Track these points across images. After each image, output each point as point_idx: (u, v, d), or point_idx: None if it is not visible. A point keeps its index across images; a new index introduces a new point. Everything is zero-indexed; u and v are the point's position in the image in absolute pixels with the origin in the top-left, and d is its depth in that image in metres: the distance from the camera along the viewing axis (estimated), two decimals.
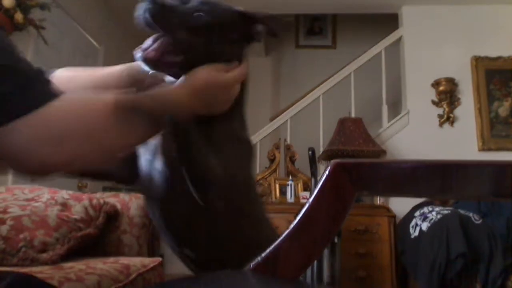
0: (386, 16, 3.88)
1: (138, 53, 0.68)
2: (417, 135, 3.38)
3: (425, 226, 2.50)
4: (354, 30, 4.48)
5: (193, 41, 0.67)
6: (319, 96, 3.47)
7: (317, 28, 4.72)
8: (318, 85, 3.55)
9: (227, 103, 0.70)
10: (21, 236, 1.27)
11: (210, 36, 0.69)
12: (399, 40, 3.68)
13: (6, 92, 0.49)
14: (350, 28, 4.54)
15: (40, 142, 0.50)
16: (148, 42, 0.69)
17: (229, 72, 0.69)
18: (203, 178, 0.65)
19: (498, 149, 3.32)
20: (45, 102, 0.51)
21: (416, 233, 2.56)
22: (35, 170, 0.54)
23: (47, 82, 0.55)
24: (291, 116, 3.47)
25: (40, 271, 1.06)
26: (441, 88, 3.44)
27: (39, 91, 0.53)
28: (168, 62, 0.67)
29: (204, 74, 0.67)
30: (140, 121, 0.61)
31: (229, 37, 0.71)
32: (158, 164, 0.70)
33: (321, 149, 3.31)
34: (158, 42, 0.68)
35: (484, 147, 3.33)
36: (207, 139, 0.68)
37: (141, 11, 0.67)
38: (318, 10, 4.09)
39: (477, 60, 3.50)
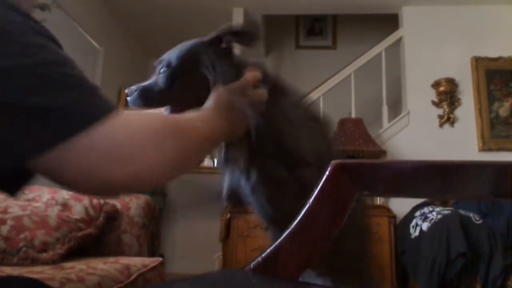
0: (386, 17, 3.88)
1: None
2: (417, 136, 3.38)
3: (425, 226, 2.50)
4: (354, 30, 4.48)
5: (175, 92, 0.73)
6: (320, 96, 3.47)
7: (317, 28, 4.72)
8: (318, 86, 3.55)
9: (258, 103, 0.72)
10: (22, 236, 1.27)
11: (188, 80, 0.74)
12: (399, 40, 3.67)
13: (66, 102, 0.44)
14: (350, 28, 4.53)
15: (104, 160, 0.45)
16: None
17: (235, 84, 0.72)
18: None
19: (499, 149, 3.32)
20: (107, 114, 0.46)
21: (416, 233, 2.55)
22: (98, 191, 0.49)
23: (104, 96, 0.50)
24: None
25: (41, 271, 1.06)
26: (441, 88, 3.44)
27: (101, 102, 0.48)
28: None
29: (215, 94, 0.69)
30: (197, 139, 0.59)
31: (208, 67, 0.74)
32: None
33: None
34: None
35: (485, 148, 3.33)
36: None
37: (131, 99, 0.74)
38: (318, 10, 4.08)
39: (477, 61, 3.50)
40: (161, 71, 0.74)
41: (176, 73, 0.74)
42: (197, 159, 0.62)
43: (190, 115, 0.62)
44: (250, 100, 0.71)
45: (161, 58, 0.77)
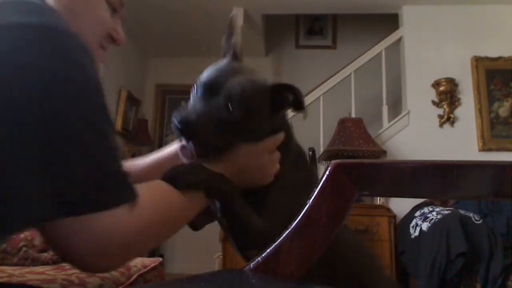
0: (386, 16, 3.87)
1: (180, 152, 0.72)
2: (418, 136, 3.38)
3: (425, 226, 2.50)
4: (354, 30, 4.47)
5: (227, 137, 0.70)
6: (320, 96, 3.47)
7: (317, 28, 4.72)
8: (318, 85, 3.55)
9: (272, 171, 0.73)
10: (22, 235, 1.27)
11: (247, 125, 0.71)
12: (399, 40, 3.67)
13: (86, 178, 0.45)
14: (350, 28, 4.53)
15: (109, 251, 0.48)
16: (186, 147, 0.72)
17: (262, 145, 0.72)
18: (244, 236, 0.70)
19: (499, 149, 3.32)
20: (124, 203, 0.49)
21: (416, 233, 2.56)
22: (97, 270, 0.55)
23: (128, 181, 0.52)
24: (291, 116, 3.46)
25: (42, 272, 1.06)
26: (442, 88, 3.43)
27: (122, 189, 0.50)
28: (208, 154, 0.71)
29: (242, 150, 0.71)
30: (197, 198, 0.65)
31: (264, 115, 0.73)
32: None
33: (321, 149, 3.31)
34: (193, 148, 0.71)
35: (485, 148, 3.33)
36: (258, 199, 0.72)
37: (173, 126, 0.69)
38: (318, 10, 4.08)
39: (478, 60, 3.50)
40: (230, 107, 0.68)
41: (246, 116, 0.69)
42: (183, 225, 0.69)
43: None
44: (263, 165, 0.72)
45: (227, 90, 0.69)
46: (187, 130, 0.67)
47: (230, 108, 0.68)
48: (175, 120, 0.67)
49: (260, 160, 0.71)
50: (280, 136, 0.75)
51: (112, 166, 0.49)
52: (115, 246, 0.48)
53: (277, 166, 0.74)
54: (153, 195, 0.56)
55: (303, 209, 0.54)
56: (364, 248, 0.83)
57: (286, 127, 0.79)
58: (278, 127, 0.76)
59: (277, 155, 0.74)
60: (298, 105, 0.74)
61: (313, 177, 0.82)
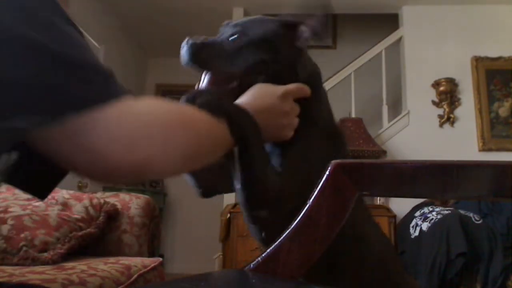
0: (386, 16, 3.88)
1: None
2: (418, 136, 3.38)
3: (425, 226, 2.50)
4: (354, 30, 4.48)
5: (236, 66, 0.68)
6: None
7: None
8: None
9: (290, 123, 0.68)
10: (22, 235, 1.27)
11: (255, 53, 0.69)
12: (399, 40, 3.67)
13: (76, 81, 0.42)
14: (350, 28, 4.53)
15: (111, 142, 0.43)
16: (202, 80, 0.70)
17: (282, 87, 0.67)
18: (259, 197, 0.64)
19: (499, 149, 3.32)
20: (118, 97, 0.44)
21: (417, 233, 2.56)
22: (102, 175, 0.46)
23: (118, 82, 0.48)
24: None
25: (42, 271, 1.06)
26: (442, 88, 3.44)
27: (113, 85, 0.46)
28: (223, 91, 0.67)
29: (258, 87, 0.66)
30: (212, 134, 0.56)
31: (275, 53, 0.70)
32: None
33: None
34: (207, 78, 0.69)
35: (485, 148, 3.33)
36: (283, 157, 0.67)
37: (182, 52, 0.68)
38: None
39: (478, 60, 3.50)
40: (233, 36, 0.69)
41: (251, 44, 0.68)
42: (211, 156, 0.58)
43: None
44: (286, 113, 0.67)
45: (235, 22, 0.71)
46: (196, 53, 0.66)
47: (235, 37, 0.68)
48: (184, 46, 0.66)
49: (278, 105, 0.65)
50: (299, 87, 0.69)
51: (96, 67, 0.45)
52: (116, 140, 0.43)
53: (296, 120, 0.68)
54: (166, 103, 0.51)
55: (303, 209, 0.54)
56: (391, 250, 0.80)
57: (314, 79, 0.75)
58: (304, 80, 0.71)
59: (296, 107, 0.68)
60: (317, 34, 0.72)
61: (342, 146, 0.75)
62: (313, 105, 0.73)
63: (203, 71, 0.69)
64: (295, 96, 0.69)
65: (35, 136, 0.42)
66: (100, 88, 0.44)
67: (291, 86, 0.69)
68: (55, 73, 0.41)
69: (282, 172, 0.66)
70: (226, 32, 0.71)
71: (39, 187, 0.54)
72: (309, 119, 0.70)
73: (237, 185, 0.67)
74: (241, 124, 0.59)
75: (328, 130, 0.75)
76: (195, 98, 0.58)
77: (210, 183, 0.77)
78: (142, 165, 0.45)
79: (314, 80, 0.75)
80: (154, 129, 0.46)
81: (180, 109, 0.53)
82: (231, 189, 0.77)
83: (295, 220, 0.54)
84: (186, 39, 0.68)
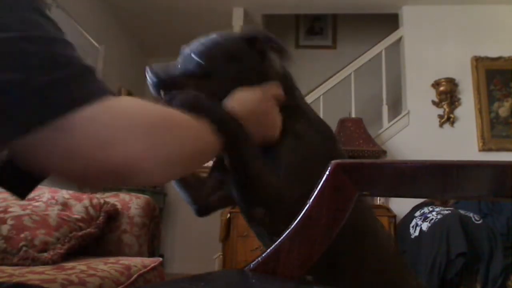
0: (386, 16, 3.88)
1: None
2: (418, 135, 3.38)
3: (425, 226, 2.50)
4: (354, 30, 4.48)
5: (207, 83, 0.68)
6: (320, 96, 3.47)
7: (317, 28, 4.72)
8: (318, 85, 3.55)
9: (274, 123, 0.69)
10: (22, 235, 1.27)
11: (221, 73, 0.69)
12: (399, 40, 3.68)
13: (53, 80, 0.40)
14: (350, 28, 4.53)
15: (90, 142, 0.41)
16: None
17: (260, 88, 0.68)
18: (257, 195, 0.63)
19: (499, 149, 3.32)
20: (98, 96, 0.43)
21: (417, 233, 2.56)
22: (83, 178, 0.44)
23: (99, 79, 0.46)
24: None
25: (42, 271, 1.06)
26: (442, 88, 3.44)
27: (92, 84, 0.44)
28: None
29: (237, 94, 0.66)
30: (201, 137, 0.54)
31: (240, 64, 0.71)
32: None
33: None
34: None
35: (485, 148, 3.33)
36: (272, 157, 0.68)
37: (149, 82, 0.67)
38: (318, 10, 4.09)
39: (478, 60, 3.50)
40: (192, 63, 0.69)
41: (219, 67, 0.70)
42: (197, 159, 0.55)
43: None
44: (269, 112, 0.67)
45: (195, 50, 0.71)
46: (165, 81, 0.65)
47: (195, 60, 0.68)
48: (149, 73, 0.65)
49: (258, 106, 0.67)
50: (273, 86, 0.71)
51: (75, 64, 0.43)
52: (96, 141, 0.42)
53: (279, 118, 0.69)
54: (148, 103, 0.49)
55: (303, 209, 0.54)
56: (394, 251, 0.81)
57: (286, 79, 0.76)
58: (275, 77, 0.73)
59: (273, 104, 0.69)
60: (274, 48, 0.74)
61: (326, 133, 0.77)
62: (292, 103, 0.74)
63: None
64: (273, 95, 0.70)
65: (12, 145, 0.40)
66: (81, 88, 0.42)
67: (266, 87, 0.70)
68: (37, 75, 0.39)
69: (276, 169, 0.66)
70: (187, 63, 0.70)
71: (20, 187, 0.53)
72: (291, 117, 0.71)
73: (232, 187, 0.67)
74: (226, 124, 0.58)
75: (314, 125, 0.76)
76: (175, 98, 0.57)
77: (205, 200, 0.77)
78: (122, 166, 0.43)
79: (286, 80, 0.77)
80: (136, 129, 0.44)
81: (163, 109, 0.51)
82: (227, 203, 0.77)
83: (295, 220, 0.54)
84: (145, 68, 0.67)
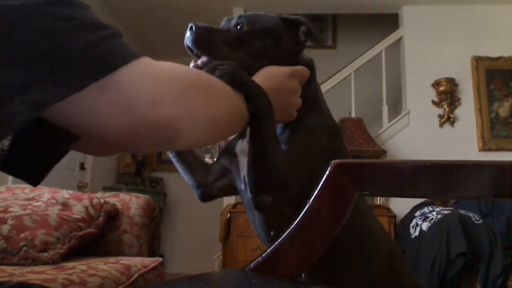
0: (386, 16, 3.88)
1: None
2: (418, 135, 3.38)
3: (425, 226, 2.50)
4: (354, 30, 4.48)
5: (239, 54, 0.69)
6: None
7: (317, 28, 4.72)
8: None
9: (296, 103, 0.69)
10: (22, 235, 1.27)
11: (257, 40, 0.71)
12: (399, 40, 3.68)
13: (91, 43, 0.41)
14: (350, 28, 4.53)
15: (136, 99, 0.42)
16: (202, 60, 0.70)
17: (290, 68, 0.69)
18: (271, 180, 0.63)
19: (499, 149, 3.32)
20: (136, 57, 0.44)
21: (417, 233, 2.56)
22: (127, 135, 0.43)
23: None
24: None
25: (42, 271, 1.06)
26: (442, 88, 3.44)
27: (127, 46, 0.45)
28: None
29: (268, 68, 0.68)
30: (232, 104, 0.55)
31: (277, 42, 0.73)
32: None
33: None
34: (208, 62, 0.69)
35: (485, 148, 3.34)
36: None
37: (186, 36, 0.68)
38: (318, 10, 4.09)
39: (478, 60, 3.50)
40: (238, 26, 0.72)
41: (256, 32, 0.72)
42: (230, 127, 0.57)
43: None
44: (294, 92, 0.68)
45: (238, 15, 0.75)
46: (201, 38, 0.67)
47: (240, 26, 0.71)
48: (193, 29, 0.67)
49: (287, 83, 0.67)
50: (303, 68, 0.72)
51: (107, 28, 0.44)
52: (141, 97, 0.42)
53: (300, 100, 0.70)
54: (187, 67, 0.51)
55: (303, 209, 0.54)
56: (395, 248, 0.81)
57: (310, 69, 0.77)
58: (302, 64, 0.75)
59: (298, 86, 0.70)
60: (312, 36, 0.75)
61: (339, 138, 0.79)
62: (311, 95, 0.76)
63: (205, 57, 0.69)
64: (300, 77, 0.71)
65: (60, 107, 0.40)
66: (123, 47, 0.43)
67: (296, 67, 0.71)
68: (79, 36, 0.40)
69: (286, 159, 0.66)
70: (230, 23, 0.73)
71: (32, 173, 0.53)
72: (307, 108, 0.72)
73: (244, 170, 0.66)
74: (257, 100, 0.59)
75: (326, 121, 0.78)
76: (215, 68, 0.58)
77: (209, 185, 0.77)
78: (167, 124, 0.44)
79: (311, 71, 0.77)
80: (178, 88, 0.46)
81: (201, 74, 0.53)
82: (230, 192, 0.77)
83: (295, 220, 0.54)
84: (189, 25, 0.68)
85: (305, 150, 0.70)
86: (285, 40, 0.74)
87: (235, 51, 0.69)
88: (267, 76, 0.66)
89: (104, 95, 0.41)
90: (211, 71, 0.58)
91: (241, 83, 0.57)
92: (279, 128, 0.71)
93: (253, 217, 0.74)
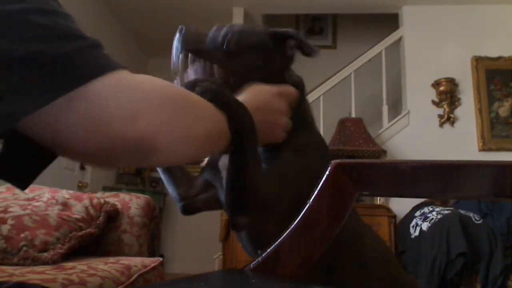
0: (386, 16, 3.88)
1: (176, 82, 0.67)
2: (418, 135, 3.38)
3: (425, 226, 2.50)
4: (354, 30, 4.48)
5: (229, 63, 0.67)
6: (320, 96, 3.47)
7: (317, 28, 4.72)
8: (319, 85, 3.55)
9: (284, 124, 0.66)
10: (22, 235, 1.27)
11: (245, 57, 0.69)
12: (399, 40, 3.68)
13: (68, 52, 0.39)
14: (350, 28, 4.54)
15: (109, 113, 0.40)
16: (189, 73, 0.68)
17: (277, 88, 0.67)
18: (245, 197, 0.61)
19: (498, 149, 3.32)
20: (114, 69, 0.42)
21: (417, 233, 2.56)
22: (98, 151, 0.41)
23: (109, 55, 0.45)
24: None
25: (42, 271, 1.06)
26: (442, 88, 3.44)
27: (106, 57, 0.43)
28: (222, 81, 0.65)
29: (254, 86, 0.65)
30: (214, 124, 0.53)
31: (265, 59, 0.71)
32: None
33: None
34: (195, 68, 0.67)
35: (485, 148, 3.34)
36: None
37: (175, 39, 0.66)
38: (318, 10, 4.09)
39: (478, 60, 3.50)
40: (227, 36, 0.69)
41: (245, 45, 0.69)
42: (210, 145, 0.54)
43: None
44: (281, 113, 0.66)
45: (227, 26, 0.71)
46: (190, 40, 0.65)
47: (227, 40, 0.68)
48: (181, 33, 0.65)
49: (274, 103, 0.64)
50: (290, 89, 0.70)
51: (85, 37, 0.42)
52: (114, 111, 0.40)
53: (289, 121, 0.67)
54: (167, 82, 0.48)
55: (303, 209, 0.54)
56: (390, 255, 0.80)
57: (299, 88, 0.75)
58: (291, 83, 0.73)
59: (286, 107, 0.67)
60: (303, 49, 0.73)
61: (324, 152, 0.76)
62: (300, 114, 0.73)
63: (193, 61, 0.67)
64: (288, 98, 0.69)
65: (28, 120, 0.38)
66: (98, 58, 0.41)
67: (284, 87, 0.69)
68: (53, 46, 0.38)
69: (269, 178, 0.64)
70: (218, 32, 0.70)
71: (21, 177, 0.52)
72: (295, 128, 0.70)
73: (223, 188, 0.65)
74: (239, 119, 0.56)
75: (314, 142, 0.75)
76: (196, 85, 0.56)
77: (192, 199, 0.75)
78: (144, 140, 0.41)
79: (300, 89, 0.75)
80: (155, 103, 0.43)
81: (181, 90, 0.51)
82: (214, 206, 0.75)
83: (295, 220, 0.54)
84: (179, 27, 0.67)
85: (291, 170, 0.67)
86: (273, 56, 0.72)
87: (224, 59, 0.67)
88: (252, 94, 0.63)
89: (75, 107, 0.39)
90: (191, 88, 0.55)
91: (222, 101, 0.54)
92: (263, 147, 0.68)
93: (240, 236, 0.73)
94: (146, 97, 0.43)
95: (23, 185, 0.52)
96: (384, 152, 3.19)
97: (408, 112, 3.46)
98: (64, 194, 1.55)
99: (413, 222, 2.65)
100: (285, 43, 0.73)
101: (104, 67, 0.41)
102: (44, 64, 0.38)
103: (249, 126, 0.58)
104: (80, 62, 0.40)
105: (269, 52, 0.71)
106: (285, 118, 0.67)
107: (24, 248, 1.24)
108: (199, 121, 0.49)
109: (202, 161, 0.72)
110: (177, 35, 0.67)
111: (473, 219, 2.45)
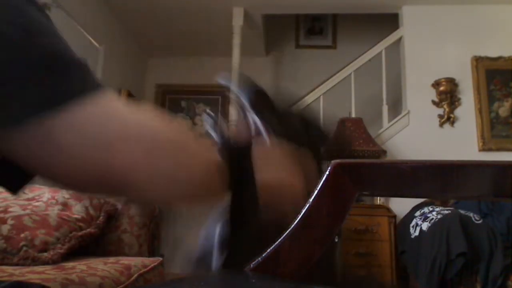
0: (386, 16, 3.88)
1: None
2: (418, 135, 3.38)
3: (425, 226, 2.50)
4: (354, 30, 4.48)
5: (282, 128, 0.65)
6: (320, 96, 3.47)
7: (317, 28, 4.72)
8: (319, 85, 3.56)
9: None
10: (22, 235, 1.27)
11: (292, 126, 0.68)
12: (399, 40, 3.68)
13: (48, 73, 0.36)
14: (350, 28, 4.53)
15: (85, 141, 0.37)
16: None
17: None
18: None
19: (499, 149, 3.32)
20: (100, 91, 0.38)
21: (417, 233, 2.56)
22: (85, 178, 0.38)
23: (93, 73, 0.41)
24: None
25: (42, 271, 1.06)
26: (442, 88, 3.44)
27: (89, 77, 0.39)
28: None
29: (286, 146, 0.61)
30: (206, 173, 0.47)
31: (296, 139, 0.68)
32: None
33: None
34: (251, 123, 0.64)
35: (485, 148, 3.33)
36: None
37: (239, 93, 0.63)
38: (318, 10, 4.08)
39: (478, 60, 3.50)
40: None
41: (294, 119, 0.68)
42: (195, 197, 0.49)
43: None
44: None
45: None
46: (257, 103, 0.62)
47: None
48: (245, 90, 0.62)
49: (285, 162, 0.60)
50: (308, 154, 0.68)
51: (68, 56, 0.38)
52: (111, 131, 0.38)
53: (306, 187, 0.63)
54: (155, 111, 0.44)
55: (303, 209, 0.54)
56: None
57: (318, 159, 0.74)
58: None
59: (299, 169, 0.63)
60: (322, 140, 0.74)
61: None
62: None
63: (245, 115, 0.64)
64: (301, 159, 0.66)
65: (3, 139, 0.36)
66: (78, 82, 0.38)
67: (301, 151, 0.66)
68: (30, 67, 0.35)
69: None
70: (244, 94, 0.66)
71: (13, 181, 0.49)
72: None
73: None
74: (240, 183, 0.52)
75: None
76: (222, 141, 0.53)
77: None
78: (121, 174, 0.38)
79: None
80: (135, 131, 0.40)
81: (173, 125, 0.45)
82: None
83: (295, 220, 0.54)
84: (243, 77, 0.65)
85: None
86: (302, 139, 0.69)
87: (277, 123, 0.65)
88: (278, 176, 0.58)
89: (48, 131, 0.35)
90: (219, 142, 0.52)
91: (232, 159, 0.50)
92: None
93: None
94: (127, 128, 0.39)
95: (14, 190, 0.50)
96: (384, 152, 3.19)
97: (408, 112, 3.46)
98: (64, 194, 1.55)
99: (413, 222, 2.65)
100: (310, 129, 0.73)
101: (85, 88, 0.38)
102: (13, 86, 0.34)
103: (249, 195, 0.54)
104: (56, 83, 0.36)
105: (302, 136, 0.70)
106: (299, 180, 0.61)
107: (24, 248, 1.24)
108: (184, 166, 0.44)
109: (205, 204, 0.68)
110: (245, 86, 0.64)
111: (473, 219, 2.45)
